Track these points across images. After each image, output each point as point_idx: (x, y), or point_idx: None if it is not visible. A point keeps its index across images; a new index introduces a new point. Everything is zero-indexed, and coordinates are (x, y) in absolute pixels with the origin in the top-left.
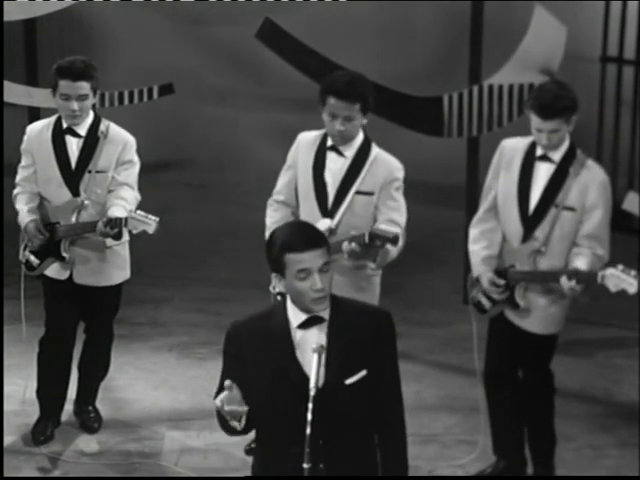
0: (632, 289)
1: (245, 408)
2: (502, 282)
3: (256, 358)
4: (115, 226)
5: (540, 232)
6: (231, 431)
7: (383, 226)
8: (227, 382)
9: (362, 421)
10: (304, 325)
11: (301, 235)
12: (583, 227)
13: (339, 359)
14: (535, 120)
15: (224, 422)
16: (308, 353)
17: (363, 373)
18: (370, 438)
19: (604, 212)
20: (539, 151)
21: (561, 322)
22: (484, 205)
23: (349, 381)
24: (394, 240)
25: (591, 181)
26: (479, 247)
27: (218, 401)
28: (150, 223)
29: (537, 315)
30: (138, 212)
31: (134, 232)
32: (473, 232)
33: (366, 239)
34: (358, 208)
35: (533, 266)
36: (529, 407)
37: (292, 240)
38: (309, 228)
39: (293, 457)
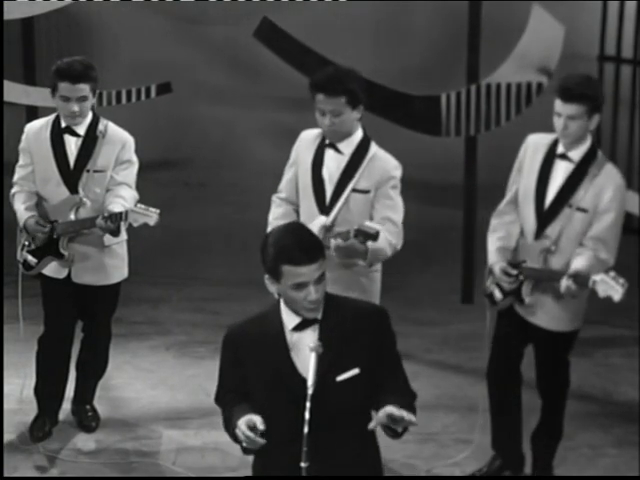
0: (617, 296)
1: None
2: (514, 272)
3: (253, 361)
4: (115, 220)
5: (551, 230)
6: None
7: (367, 223)
8: (258, 422)
9: (357, 418)
10: (298, 328)
11: (300, 247)
12: (592, 229)
13: (330, 357)
14: (557, 103)
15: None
16: (302, 354)
17: (355, 371)
18: (367, 435)
19: (616, 216)
20: (560, 149)
21: (572, 321)
22: (506, 198)
23: (340, 378)
24: (374, 237)
25: (607, 184)
26: (496, 237)
27: (242, 424)
28: (151, 215)
29: (545, 311)
30: (138, 205)
31: (135, 225)
32: (493, 222)
33: (351, 235)
34: (354, 206)
35: (543, 264)
36: (542, 399)
37: (291, 252)
38: (307, 238)
39: (291, 456)
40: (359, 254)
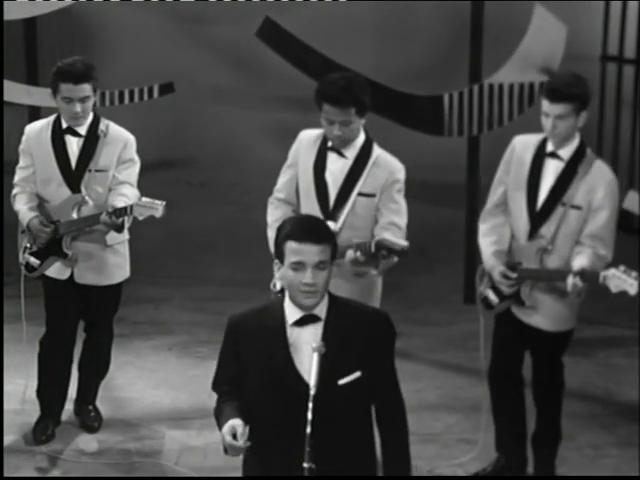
0: (632, 290)
1: (247, 444)
2: (514, 275)
3: (251, 354)
4: (120, 215)
5: (546, 230)
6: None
7: (391, 237)
8: (240, 425)
9: (356, 421)
10: (299, 323)
11: (305, 226)
12: (587, 226)
13: (333, 359)
14: (544, 104)
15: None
16: (302, 352)
17: (357, 374)
18: (365, 437)
19: (610, 213)
20: (549, 148)
21: (570, 320)
22: (492, 199)
23: (342, 382)
24: (401, 253)
25: (599, 181)
26: (489, 241)
27: (226, 434)
28: (157, 207)
29: (543, 312)
30: (143, 199)
31: (140, 219)
32: (483, 227)
33: (372, 248)
34: (360, 210)
35: (539, 264)
36: (537, 403)
37: (295, 229)
38: (317, 223)
39: (286, 455)
40: (372, 264)
